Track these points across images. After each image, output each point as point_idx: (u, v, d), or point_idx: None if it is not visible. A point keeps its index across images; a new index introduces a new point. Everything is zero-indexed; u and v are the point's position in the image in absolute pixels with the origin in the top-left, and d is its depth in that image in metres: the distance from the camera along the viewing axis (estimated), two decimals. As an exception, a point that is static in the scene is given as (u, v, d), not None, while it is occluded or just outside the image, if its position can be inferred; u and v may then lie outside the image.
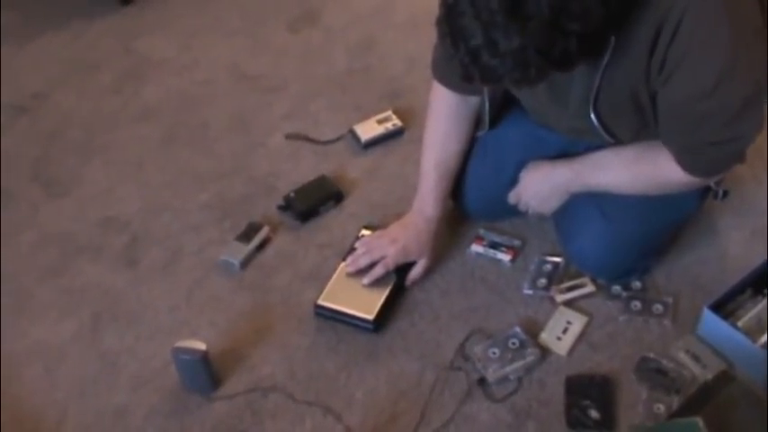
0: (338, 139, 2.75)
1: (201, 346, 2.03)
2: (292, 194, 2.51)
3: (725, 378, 1.88)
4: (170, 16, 3.49)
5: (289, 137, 2.78)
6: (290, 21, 3.34)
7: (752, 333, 1.99)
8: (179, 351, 2.04)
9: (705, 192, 2.16)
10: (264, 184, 2.63)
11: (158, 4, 3.57)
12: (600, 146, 2.07)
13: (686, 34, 1.66)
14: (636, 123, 1.92)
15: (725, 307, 2.06)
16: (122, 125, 2.95)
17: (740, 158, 1.94)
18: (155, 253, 2.47)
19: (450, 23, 1.56)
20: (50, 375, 2.19)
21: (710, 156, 1.90)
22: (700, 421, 1.73)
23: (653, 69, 1.75)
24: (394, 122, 2.74)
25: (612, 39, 1.70)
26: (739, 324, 2.00)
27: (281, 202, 2.52)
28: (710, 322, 2.04)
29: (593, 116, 1.89)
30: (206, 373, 2.06)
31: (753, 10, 1.72)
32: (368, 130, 2.73)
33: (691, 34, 1.66)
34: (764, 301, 2.04)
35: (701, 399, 1.83)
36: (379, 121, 2.75)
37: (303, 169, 2.64)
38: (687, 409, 1.82)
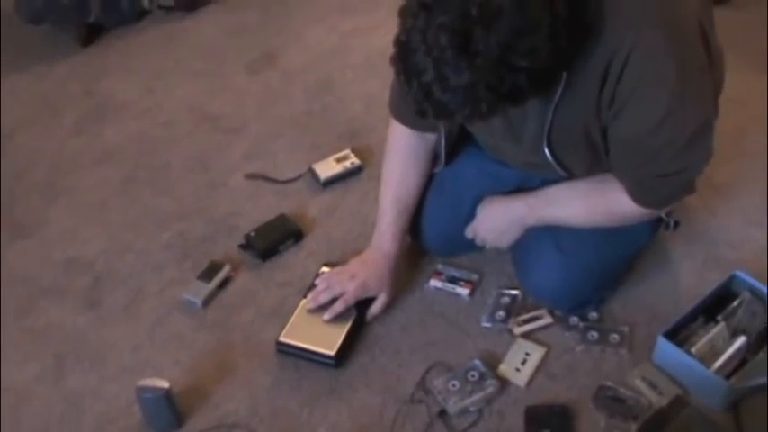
0: (297, 178, 2.78)
1: (164, 383, 2.05)
2: (252, 233, 2.54)
3: (679, 403, 1.92)
4: (131, 58, 3.51)
5: (249, 177, 2.81)
6: (249, 63, 3.37)
7: (705, 359, 2.03)
8: (142, 390, 2.05)
9: (657, 223, 2.21)
10: (225, 223, 2.65)
11: (119, 46, 3.59)
12: (555, 180, 2.11)
13: (634, 71, 1.71)
14: (589, 158, 1.96)
15: (679, 334, 2.10)
16: (85, 167, 2.97)
17: (690, 189, 1.99)
18: (117, 293, 2.48)
19: (403, 60, 1.60)
20: (15, 416, 2.19)
21: (661, 188, 1.94)
22: (655, 446, 1.77)
23: (603, 105, 1.79)
24: (352, 161, 2.77)
25: (564, 75, 1.75)
26: (693, 350, 2.04)
27: (241, 241, 2.54)
28: (665, 350, 2.08)
29: (546, 151, 1.93)
30: (169, 411, 2.07)
31: (697, 48, 1.78)
32: (326, 168, 2.76)
33: (638, 71, 1.71)
34: (717, 328, 2.08)
35: (656, 424, 1.86)
36: (338, 160, 2.78)
37: (263, 208, 2.67)
38: (643, 434, 1.86)
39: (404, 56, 1.59)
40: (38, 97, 3.34)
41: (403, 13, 1.60)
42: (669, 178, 1.91)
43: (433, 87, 1.57)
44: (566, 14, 1.59)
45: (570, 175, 2.04)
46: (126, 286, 2.50)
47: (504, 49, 1.52)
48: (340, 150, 2.82)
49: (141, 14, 3.70)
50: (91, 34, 3.61)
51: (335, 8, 3.64)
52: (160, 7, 3.71)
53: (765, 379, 1.99)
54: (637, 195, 1.96)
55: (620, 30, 1.69)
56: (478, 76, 1.54)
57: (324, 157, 2.81)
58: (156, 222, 2.69)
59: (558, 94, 1.79)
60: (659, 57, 1.70)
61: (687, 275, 2.34)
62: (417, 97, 1.61)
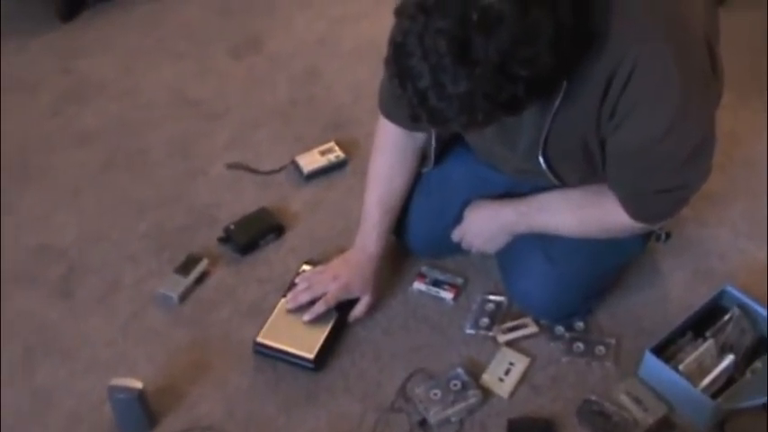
0: (280, 169, 2.71)
1: (137, 384, 1.99)
2: (232, 226, 2.48)
3: (665, 425, 1.88)
4: (112, 36, 3.43)
5: (230, 166, 2.75)
6: (234, 46, 3.30)
7: (693, 377, 1.99)
8: (114, 390, 1.99)
9: (648, 234, 2.17)
10: (205, 214, 2.59)
11: (100, 22, 3.50)
12: (545, 186, 2.06)
13: (637, 84, 1.66)
14: (584, 168, 1.91)
15: (666, 350, 2.07)
16: (60, 149, 2.89)
17: (686, 204, 1.95)
18: (91, 284, 2.41)
19: (398, 64, 1.54)
20: (-20, 410, 2.13)
21: (657, 203, 1.90)
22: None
23: (603, 116, 1.74)
24: (337, 154, 2.71)
25: (564, 83, 1.69)
26: (680, 367, 2.00)
27: (221, 233, 2.48)
28: (652, 365, 2.04)
29: (541, 159, 1.88)
30: (142, 412, 2.02)
31: (703, 61, 1.73)
32: (310, 161, 2.70)
33: (642, 84, 1.66)
34: (705, 345, 2.04)
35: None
36: (322, 153, 2.72)
37: (244, 200, 2.61)
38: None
39: (399, 59, 1.53)
40: (13, 73, 3.23)
41: (399, 13, 1.53)
42: (666, 194, 1.87)
43: (428, 93, 1.52)
44: (570, 23, 1.54)
45: (563, 185, 1.99)
46: (100, 277, 2.43)
47: (504, 57, 1.47)
48: (324, 142, 2.76)
49: (124, -9, 3.63)
50: (72, 9, 3.53)
51: (323, -7, 3.58)
52: (144, -16, 3.63)
53: (752, 401, 1.96)
54: (632, 209, 1.91)
55: (625, 41, 1.64)
56: (476, 84, 1.49)
57: (308, 148, 2.75)
58: (134, 211, 2.63)
59: (558, 102, 1.74)
60: (664, 71, 1.65)
61: (676, 287, 2.30)
62: (412, 102, 1.56)
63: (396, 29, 1.54)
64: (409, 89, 1.54)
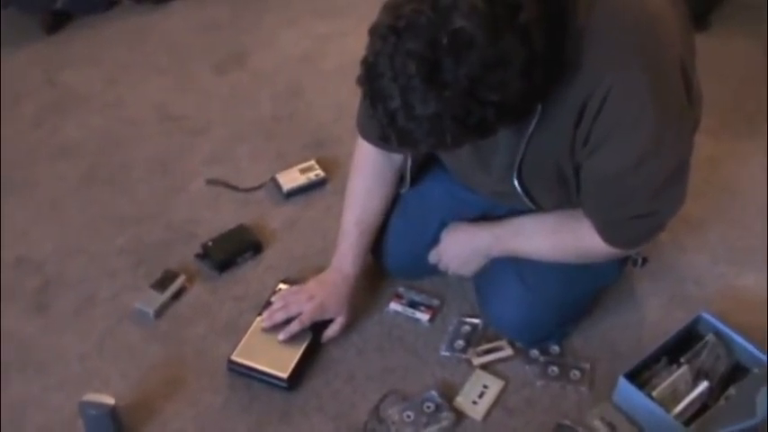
0: (260, 186, 2.71)
1: (110, 400, 1.98)
2: (210, 243, 2.47)
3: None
4: (96, 49, 3.43)
5: (210, 182, 2.74)
6: (217, 62, 3.30)
7: (666, 403, 1.99)
8: (86, 406, 1.98)
9: (625, 259, 2.16)
10: (183, 230, 2.58)
11: (85, 35, 3.51)
12: (522, 210, 2.05)
13: (612, 112, 1.65)
14: (559, 193, 1.90)
15: (641, 375, 2.06)
16: (41, 161, 2.88)
17: (661, 230, 1.95)
18: (67, 298, 2.40)
19: (369, 84, 1.54)
20: (-49, 424, 2.11)
21: (632, 229, 1.90)
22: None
23: (578, 142, 1.74)
24: (317, 173, 2.71)
25: (539, 106, 1.69)
26: (654, 393, 2.00)
27: (198, 250, 2.48)
28: (626, 391, 2.04)
29: (516, 183, 1.88)
30: (114, 429, 2.00)
31: (678, 90, 1.72)
32: (290, 179, 2.69)
33: (616, 112, 1.65)
34: (680, 371, 2.04)
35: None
36: (302, 171, 2.72)
37: (223, 217, 2.60)
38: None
39: (370, 79, 1.54)
40: (-1, 84, 3.24)
41: (373, 32, 1.53)
42: (641, 220, 1.86)
43: (397, 114, 1.51)
44: (542, 50, 1.53)
45: (539, 208, 1.99)
46: (76, 291, 2.42)
47: (474, 81, 1.46)
48: (305, 160, 2.76)
49: (110, 4, 3.63)
50: (57, 21, 3.54)
51: (309, 10, 3.58)
52: (129, -3, 3.64)
53: (726, 428, 1.96)
54: (606, 235, 1.91)
55: (599, 68, 1.63)
56: (445, 106, 1.48)
57: (288, 166, 2.74)
58: (112, 225, 2.62)
59: (533, 125, 1.73)
60: (638, 98, 1.65)
61: (652, 312, 2.30)
62: (381, 121, 1.56)
63: (368, 49, 1.54)
64: (379, 109, 1.54)
